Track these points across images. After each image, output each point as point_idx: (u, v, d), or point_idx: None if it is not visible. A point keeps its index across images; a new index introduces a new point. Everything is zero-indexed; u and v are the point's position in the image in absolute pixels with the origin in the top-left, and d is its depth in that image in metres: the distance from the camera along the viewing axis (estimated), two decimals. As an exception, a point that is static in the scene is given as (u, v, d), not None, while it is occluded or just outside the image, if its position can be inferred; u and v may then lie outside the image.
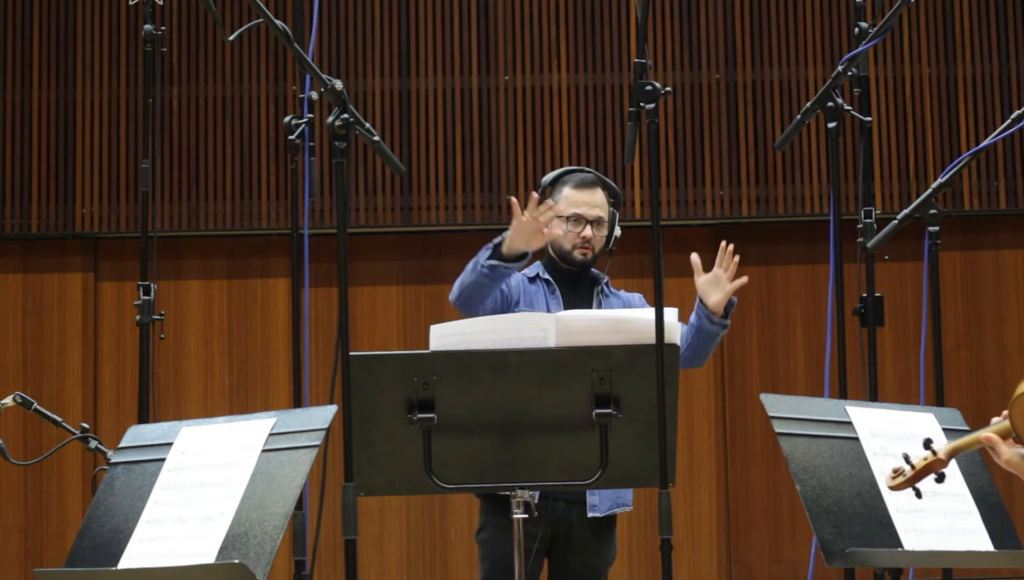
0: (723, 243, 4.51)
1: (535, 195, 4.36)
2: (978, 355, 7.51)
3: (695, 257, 4.52)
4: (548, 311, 4.45)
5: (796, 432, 3.33)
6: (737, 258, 4.49)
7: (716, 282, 4.49)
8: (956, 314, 7.49)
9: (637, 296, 4.68)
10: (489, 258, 4.34)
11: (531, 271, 4.61)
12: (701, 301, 4.49)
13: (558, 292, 4.56)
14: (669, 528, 3.57)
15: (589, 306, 4.53)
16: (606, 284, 4.65)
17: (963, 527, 3.31)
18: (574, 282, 4.58)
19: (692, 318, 4.53)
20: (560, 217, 4.53)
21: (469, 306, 4.41)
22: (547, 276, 4.58)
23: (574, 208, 4.54)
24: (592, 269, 4.63)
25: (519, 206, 4.30)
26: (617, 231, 4.62)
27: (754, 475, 7.42)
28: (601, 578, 4.51)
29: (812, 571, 4.45)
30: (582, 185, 4.57)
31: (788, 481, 6.93)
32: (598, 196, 4.57)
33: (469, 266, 4.41)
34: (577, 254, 4.54)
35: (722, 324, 4.49)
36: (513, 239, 4.31)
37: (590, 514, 4.43)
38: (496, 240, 4.38)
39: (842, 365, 4.43)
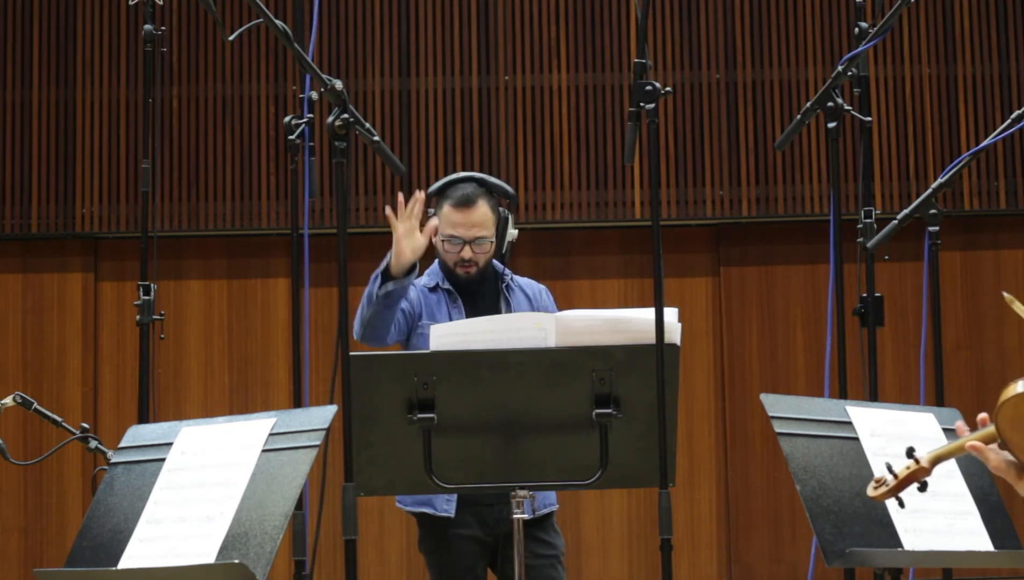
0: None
1: (401, 197, 4.35)
2: (978, 355, 7.51)
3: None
4: (451, 321, 4.45)
5: (796, 432, 3.33)
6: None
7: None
8: (956, 314, 7.49)
9: (543, 288, 4.65)
10: (381, 285, 4.35)
11: (431, 280, 4.59)
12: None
13: (460, 301, 4.54)
14: (669, 528, 3.57)
15: (496, 308, 4.52)
16: (511, 279, 4.61)
17: (963, 527, 3.31)
18: (474, 287, 4.56)
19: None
20: (442, 234, 4.53)
21: (375, 338, 4.43)
22: (447, 285, 4.57)
23: (451, 229, 4.51)
24: (493, 264, 4.60)
25: (394, 215, 4.33)
26: (512, 234, 4.57)
27: (754, 475, 7.42)
28: (557, 565, 4.50)
29: (812, 571, 4.44)
30: (459, 205, 4.51)
31: (788, 481, 6.92)
32: (477, 214, 4.51)
33: (364, 300, 4.40)
34: (460, 272, 4.53)
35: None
36: (398, 252, 4.33)
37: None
38: (381, 267, 4.38)
39: (842, 365, 4.43)
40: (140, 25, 5.24)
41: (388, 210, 4.39)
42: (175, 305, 7.40)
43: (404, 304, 4.49)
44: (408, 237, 4.36)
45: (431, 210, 4.56)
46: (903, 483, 3.01)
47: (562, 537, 4.58)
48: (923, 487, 3.02)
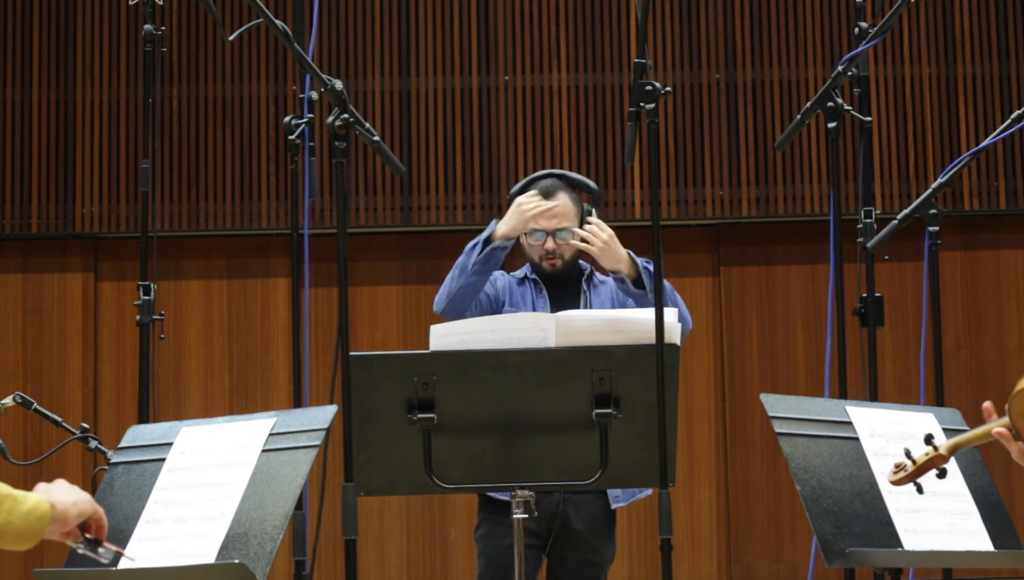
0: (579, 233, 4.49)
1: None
2: (978, 355, 7.51)
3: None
4: (535, 310, 4.50)
5: (796, 432, 3.33)
6: (593, 228, 4.47)
7: (600, 255, 4.46)
8: (956, 314, 7.49)
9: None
10: (482, 251, 4.44)
11: (520, 272, 4.66)
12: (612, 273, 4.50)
13: (545, 291, 4.58)
14: (669, 528, 3.57)
15: (577, 300, 4.55)
16: (591, 273, 4.65)
17: (963, 527, 3.31)
18: (560, 280, 4.60)
19: (621, 296, 4.56)
20: (525, 229, 4.57)
21: (458, 312, 4.48)
22: (534, 276, 4.62)
23: (533, 223, 4.55)
24: (579, 262, 4.65)
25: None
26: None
27: (754, 475, 7.42)
28: (601, 576, 4.51)
29: (812, 571, 4.44)
30: (541, 196, 4.56)
31: (788, 481, 6.92)
32: (558, 206, 4.54)
33: (455, 273, 4.50)
34: (545, 265, 4.56)
35: (640, 293, 4.47)
36: (521, 222, 4.47)
37: (613, 505, 4.47)
38: (480, 237, 4.48)
39: (842, 365, 4.43)
40: (140, 25, 5.24)
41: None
42: (175, 305, 7.40)
43: (488, 287, 4.57)
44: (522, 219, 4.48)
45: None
46: (922, 469, 3.04)
47: (615, 543, 4.57)
48: (942, 474, 3.04)
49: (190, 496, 3.15)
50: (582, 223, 4.57)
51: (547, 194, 4.56)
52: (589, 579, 4.48)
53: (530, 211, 4.48)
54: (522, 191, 4.62)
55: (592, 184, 4.67)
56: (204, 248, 7.53)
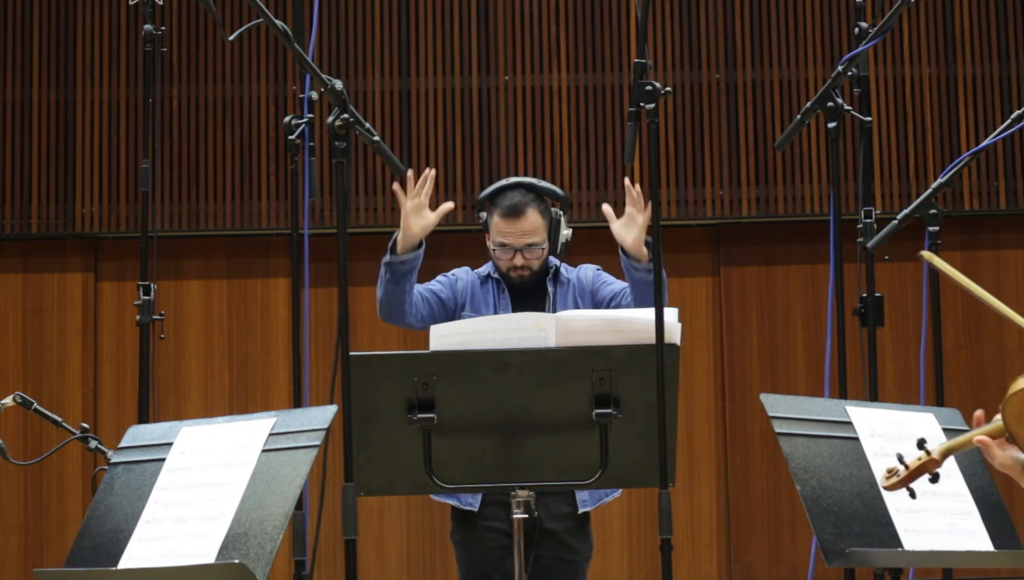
0: (626, 182, 4.42)
1: (411, 173, 4.42)
2: (978, 355, 7.51)
3: (606, 207, 4.44)
4: (495, 313, 4.48)
5: (796, 432, 3.33)
6: (639, 192, 4.39)
7: (630, 221, 4.39)
8: (956, 314, 7.49)
9: (591, 267, 4.63)
10: (386, 259, 4.39)
11: (484, 270, 4.62)
12: (623, 250, 4.38)
13: (507, 293, 4.55)
14: (669, 528, 3.57)
15: (542, 301, 4.53)
16: (561, 270, 4.60)
17: (963, 527, 3.31)
18: (527, 280, 4.57)
19: (625, 275, 4.48)
20: (492, 241, 4.55)
21: (392, 317, 4.46)
22: (497, 275, 4.58)
23: (501, 237, 4.52)
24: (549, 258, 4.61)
25: (402, 191, 4.39)
26: (566, 234, 4.58)
27: (754, 475, 7.42)
28: (579, 573, 4.51)
29: (812, 571, 4.45)
30: (508, 214, 4.50)
31: (788, 481, 6.92)
32: (527, 222, 4.49)
33: (379, 280, 4.44)
34: (513, 276, 4.54)
35: (646, 268, 4.35)
36: (405, 228, 4.40)
37: (581, 509, 4.46)
38: (391, 242, 4.43)
39: (842, 365, 4.43)
40: (140, 25, 5.24)
41: (396, 185, 4.41)
42: (175, 305, 7.40)
43: (443, 291, 4.54)
44: (416, 214, 4.41)
45: (483, 214, 4.59)
46: (915, 474, 3.04)
47: (591, 540, 4.56)
48: (935, 478, 3.04)
49: (190, 496, 3.15)
50: (552, 232, 4.55)
51: (515, 211, 4.50)
52: (567, 576, 4.48)
53: (424, 193, 4.40)
54: (490, 198, 4.59)
55: (560, 191, 4.61)
56: (204, 248, 7.53)
